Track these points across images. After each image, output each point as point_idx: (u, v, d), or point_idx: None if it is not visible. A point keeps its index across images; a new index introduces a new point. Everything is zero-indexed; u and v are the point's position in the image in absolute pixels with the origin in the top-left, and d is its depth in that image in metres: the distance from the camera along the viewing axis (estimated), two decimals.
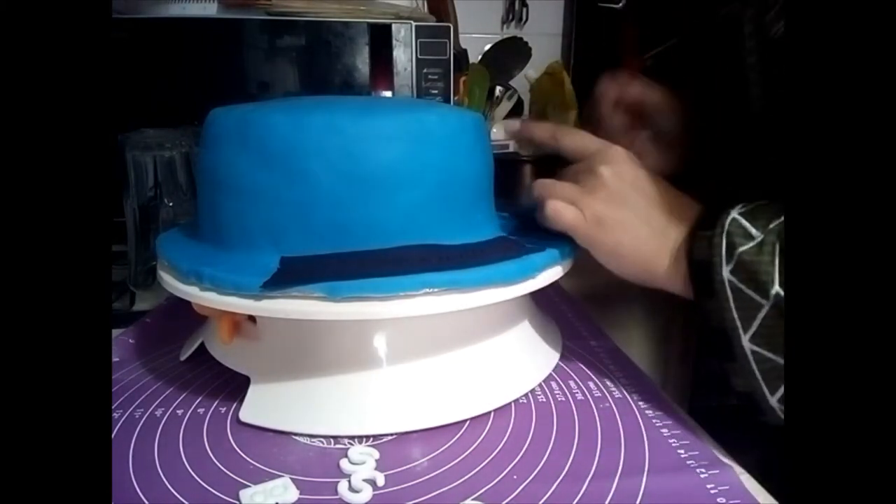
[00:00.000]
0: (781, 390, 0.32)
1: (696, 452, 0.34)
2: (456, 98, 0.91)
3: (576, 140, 0.41)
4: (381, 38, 0.85)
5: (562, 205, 0.38)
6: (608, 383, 0.42)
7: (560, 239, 0.40)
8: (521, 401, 0.39)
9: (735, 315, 0.32)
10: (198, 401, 0.39)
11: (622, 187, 0.37)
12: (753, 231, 0.32)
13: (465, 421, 0.37)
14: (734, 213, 0.33)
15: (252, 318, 0.39)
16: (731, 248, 0.32)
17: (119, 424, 0.36)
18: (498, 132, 1.01)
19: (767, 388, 0.32)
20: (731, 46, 0.41)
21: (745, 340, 0.32)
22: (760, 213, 0.33)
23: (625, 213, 0.37)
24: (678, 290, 0.36)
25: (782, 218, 0.32)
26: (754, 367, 0.32)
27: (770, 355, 0.31)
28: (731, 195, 0.35)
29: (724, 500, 0.30)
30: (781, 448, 0.24)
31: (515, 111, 1.09)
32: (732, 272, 0.32)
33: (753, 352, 0.32)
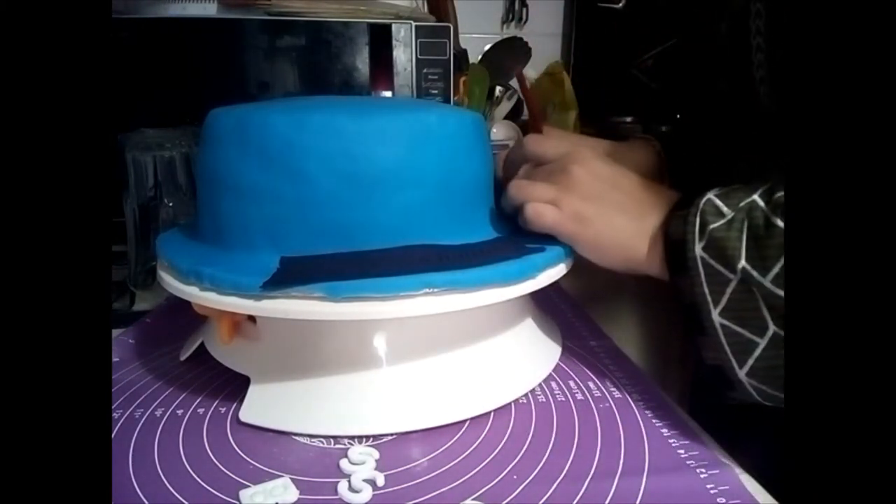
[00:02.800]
0: (750, 363, 0.32)
1: (696, 452, 0.34)
2: (456, 98, 0.90)
3: (544, 144, 0.43)
4: (381, 38, 0.85)
5: (541, 206, 0.39)
6: (608, 383, 0.42)
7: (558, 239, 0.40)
8: (521, 401, 0.39)
9: (706, 290, 0.33)
10: (198, 401, 0.39)
11: (595, 183, 0.39)
12: (725, 209, 0.33)
13: (465, 421, 0.37)
14: (710, 195, 0.35)
15: (252, 318, 0.39)
16: (704, 225, 0.33)
17: (119, 424, 0.36)
18: (498, 132, 1.01)
19: (736, 361, 0.33)
20: (738, 44, 0.41)
21: (715, 315, 0.33)
22: (734, 193, 0.34)
23: (601, 206, 0.38)
24: (657, 273, 0.37)
25: (753, 196, 0.33)
26: (723, 340, 0.33)
27: (738, 329, 0.32)
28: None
29: (724, 500, 0.30)
30: (781, 448, 0.24)
31: (515, 111, 1.09)
32: (704, 248, 0.33)
33: (722, 325, 0.33)
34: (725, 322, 0.33)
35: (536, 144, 0.43)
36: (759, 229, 0.32)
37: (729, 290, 0.32)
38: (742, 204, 0.33)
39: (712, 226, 0.33)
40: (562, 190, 0.39)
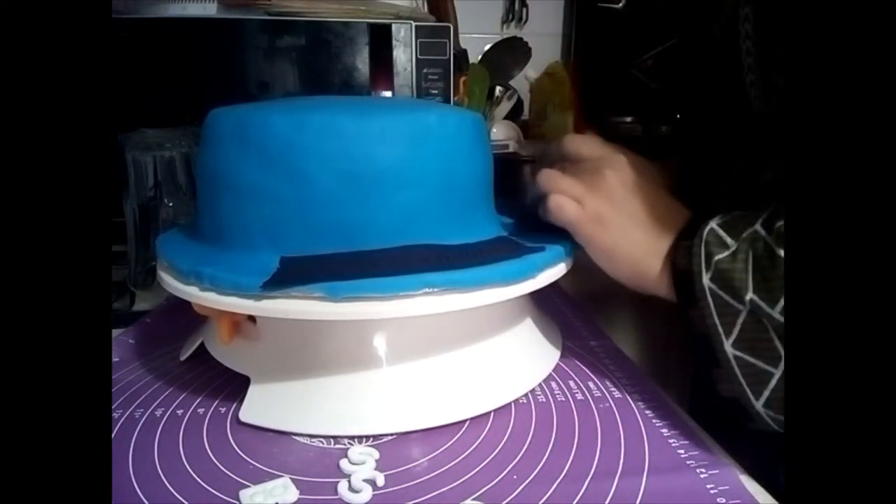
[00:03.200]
0: (766, 394, 0.32)
1: (696, 452, 0.34)
2: (456, 98, 0.90)
3: (582, 145, 0.42)
4: (381, 38, 0.85)
5: (565, 199, 0.38)
6: (608, 383, 0.42)
7: (560, 239, 0.40)
8: (521, 401, 0.39)
9: (717, 321, 0.33)
10: (198, 401, 0.39)
11: (623, 190, 0.38)
12: (728, 240, 0.33)
13: (465, 421, 0.37)
14: (712, 224, 0.34)
15: (252, 318, 0.39)
16: (709, 256, 0.33)
17: (119, 424, 0.36)
18: (498, 132, 1.01)
19: (751, 393, 0.32)
20: (730, 47, 0.41)
21: (728, 346, 0.33)
22: (736, 223, 0.34)
23: (624, 215, 0.38)
24: (665, 294, 0.37)
25: (755, 226, 0.33)
26: (737, 371, 0.33)
27: (751, 360, 0.32)
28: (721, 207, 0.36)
29: (724, 500, 0.30)
30: (781, 448, 0.24)
31: (515, 111, 1.09)
32: (712, 279, 0.33)
33: (735, 356, 0.32)
34: (738, 353, 0.32)
35: (576, 143, 0.42)
36: (764, 260, 0.31)
37: (740, 321, 0.32)
38: (745, 234, 0.33)
39: (717, 257, 0.33)
40: (589, 189, 0.38)
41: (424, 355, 0.38)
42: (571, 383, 0.42)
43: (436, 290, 0.34)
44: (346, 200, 0.36)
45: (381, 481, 0.31)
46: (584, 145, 0.42)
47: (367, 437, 0.35)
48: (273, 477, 0.31)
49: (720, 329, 0.33)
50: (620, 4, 1.13)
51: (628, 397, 0.40)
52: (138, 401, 0.39)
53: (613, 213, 0.38)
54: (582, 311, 0.55)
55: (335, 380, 0.37)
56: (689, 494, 0.30)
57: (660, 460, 0.33)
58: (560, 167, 0.41)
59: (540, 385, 0.41)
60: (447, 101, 0.87)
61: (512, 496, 0.30)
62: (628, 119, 1.13)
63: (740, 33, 0.40)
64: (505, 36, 1.16)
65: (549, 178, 0.40)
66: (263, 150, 0.36)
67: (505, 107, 1.07)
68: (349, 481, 0.31)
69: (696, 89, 0.50)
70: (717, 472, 0.32)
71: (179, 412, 0.38)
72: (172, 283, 0.37)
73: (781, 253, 0.31)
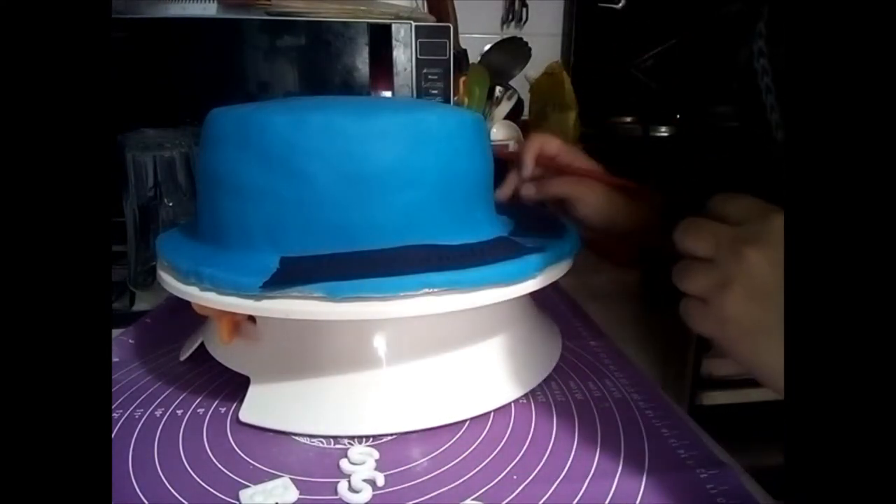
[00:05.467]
0: None
1: (696, 452, 0.34)
2: (456, 98, 0.90)
3: (730, 205, 0.30)
4: (380, 38, 0.85)
5: (692, 306, 0.29)
6: (608, 383, 0.42)
7: (560, 239, 0.40)
8: (521, 401, 0.39)
9: None
10: (198, 401, 0.39)
11: (771, 280, 0.27)
12: None
13: (465, 421, 0.37)
14: None
15: (252, 319, 0.39)
16: None
17: (119, 424, 0.36)
18: (498, 132, 1.01)
19: None
20: (731, 47, 0.41)
21: None
22: None
23: (768, 315, 0.27)
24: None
25: None
26: None
27: None
28: None
29: (723, 500, 0.30)
30: (781, 448, 0.24)
31: (515, 111, 1.09)
32: None
33: None
34: None
35: (722, 203, 0.30)
36: None
37: None
38: None
39: None
40: (719, 283, 0.28)
41: (424, 355, 0.38)
42: (571, 383, 0.42)
43: (436, 290, 0.34)
44: (347, 200, 0.36)
45: (381, 481, 0.31)
46: (730, 205, 0.30)
47: (367, 437, 0.35)
48: (273, 477, 0.31)
49: None
50: (620, 4, 1.13)
51: (628, 397, 0.40)
52: (138, 401, 0.39)
53: (750, 314, 0.27)
54: (582, 311, 0.55)
55: (335, 380, 0.37)
56: (689, 494, 0.30)
57: (660, 460, 0.33)
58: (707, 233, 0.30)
59: (540, 385, 0.41)
60: (447, 101, 0.87)
61: (512, 496, 0.30)
62: (628, 119, 1.13)
63: (759, 87, 0.39)
64: (505, 36, 1.16)
65: (676, 276, 0.30)
66: (263, 150, 0.36)
67: (505, 107, 1.06)
68: (349, 481, 0.31)
69: (697, 93, 0.50)
70: (717, 472, 0.32)
71: (179, 412, 0.38)
72: (172, 283, 0.37)
73: None
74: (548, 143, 0.54)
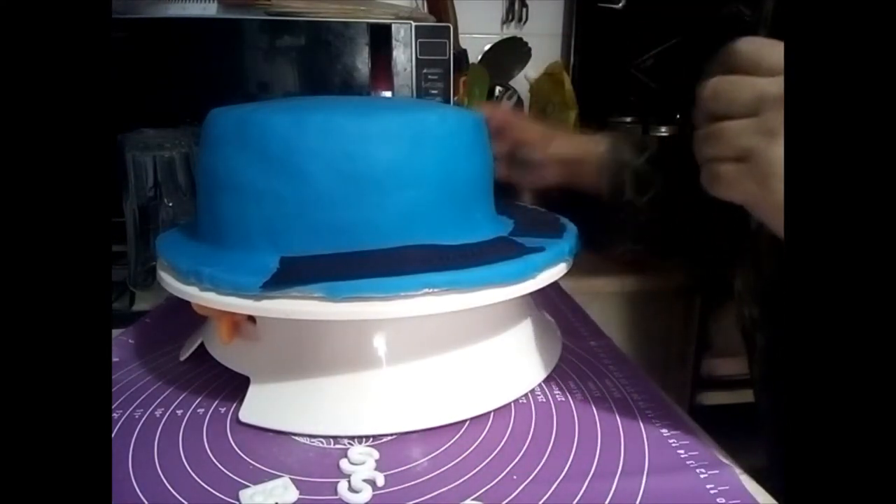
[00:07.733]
0: None
1: (696, 452, 0.34)
2: (456, 98, 0.91)
3: (753, 54, 0.28)
4: (380, 39, 0.85)
5: (726, 169, 0.28)
6: (608, 383, 0.42)
7: (559, 239, 0.40)
8: (521, 401, 0.39)
9: None
10: (198, 401, 0.39)
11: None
12: None
13: (465, 421, 0.37)
14: None
15: (252, 319, 0.39)
16: None
17: (119, 424, 0.36)
18: None
19: None
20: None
21: None
22: None
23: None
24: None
25: None
26: None
27: None
28: None
29: (723, 500, 0.30)
30: (782, 448, 0.24)
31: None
32: None
33: None
34: None
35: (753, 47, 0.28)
36: None
37: None
38: None
39: None
40: (768, 134, 0.26)
41: (424, 355, 0.38)
42: (571, 383, 0.42)
43: (436, 290, 0.34)
44: (346, 200, 0.36)
45: (380, 481, 0.31)
46: (753, 53, 0.28)
47: (367, 437, 0.35)
48: (273, 477, 0.31)
49: None
50: (620, 4, 1.13)
51: (628, 397, 0.40)
52: (138, 401, 0.39)
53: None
54: (582, 311, 0.55)
55: (335, 380, 0.37)
56: (689, 494, 0.30)
57: (660, 460, 0.33)
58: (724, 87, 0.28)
59: (540, 385, 0.41)
60: (447, 101, 0.87)
61: (512, 496, 0.30)
62: (628, 119, 1.13)
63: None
64: (505, 36, 1.16)
65: (707, 138, 0.29)
66: (263, 150, 0.36)
67: (505, 107, 1.07)
68: (349, 481, 0.31)
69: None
70: (717, 472, 0.32)
71: (179, 412, 0.38)
72: (172, 283, 0.37)
73: None
74: (496, 113, 0.57)
